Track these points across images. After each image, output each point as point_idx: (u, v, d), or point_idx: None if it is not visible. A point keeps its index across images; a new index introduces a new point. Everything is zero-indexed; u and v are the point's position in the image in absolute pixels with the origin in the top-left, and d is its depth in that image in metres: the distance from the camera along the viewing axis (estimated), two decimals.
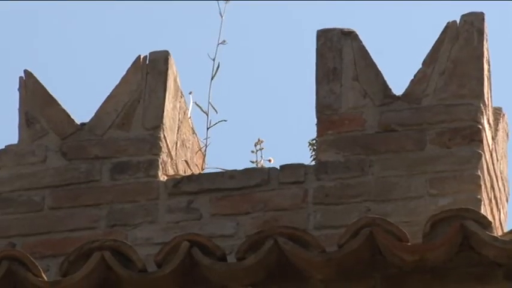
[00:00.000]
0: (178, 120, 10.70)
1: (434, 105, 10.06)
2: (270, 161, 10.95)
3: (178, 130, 10.62)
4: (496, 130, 10.40)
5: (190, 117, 11.13)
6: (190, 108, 11.17)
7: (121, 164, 10.32)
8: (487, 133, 10.05)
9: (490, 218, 9.42)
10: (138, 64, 10.46)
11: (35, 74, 10.35)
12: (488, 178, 10.00)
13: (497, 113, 10.56)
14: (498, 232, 9.57)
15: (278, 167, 10.22)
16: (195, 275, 9.39)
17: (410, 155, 10.00)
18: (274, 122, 18.03)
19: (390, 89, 10.10)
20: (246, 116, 18.86)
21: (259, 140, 10.40)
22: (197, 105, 11.12)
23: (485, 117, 10.05)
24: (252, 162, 10.99)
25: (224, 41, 11.26)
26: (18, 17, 24.89)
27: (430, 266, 9.15)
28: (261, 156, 10.60)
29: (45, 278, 9.29)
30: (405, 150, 10.02)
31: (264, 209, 9.94)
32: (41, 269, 9.33)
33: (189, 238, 9.25)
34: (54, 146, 10.33)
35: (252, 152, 10.72)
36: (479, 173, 9.78)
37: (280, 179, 10.07)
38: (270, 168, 10.31)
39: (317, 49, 10.29)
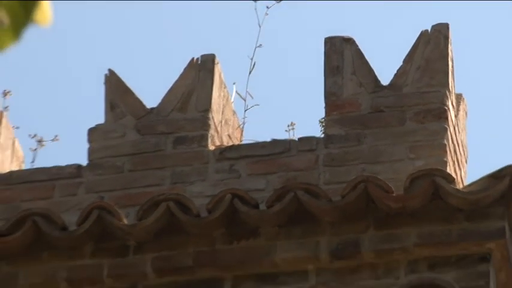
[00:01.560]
0: (222, 105, 10.68)
1: (412, 92, 10.18)
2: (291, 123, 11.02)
3: (222, 112, 10.60)
4: (458, 110, 10.46)
5: (232, 102, 11.10)
6: (233, 95, 11.12)
7: (180, 137, 10.34)
8: (451, 112, 10.15)
9: (453, 175, 9.65)
10: (192, 64, 10.49)
11: (116, 71, 10.40)
12: (452, 146, 10.11)
13: (459, 97, 10.66)
14: (460, 186, 9.65)
15: (297, 139, 10.30)
16: (235, 218, 9.47)
17: (394, 129, 10.10)
18: (293, 106, 18.26)
19: (379, 81, 10.20)
20: (273, 102, 19.20)
21: (291, 123, 10.44)
22: (238, 93, 11.03)
23: (449, 101, 10.17)
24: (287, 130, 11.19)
25: (260, 45, 11.37)
26: (102, 22, 25.34)
27: (409, 211, 9.34)
28: (293, 134, 10.68)
29: (126, 222, 9.49)
30: (390, 125, 10.11)
31: (286, 170, 10.04)
32: (122, 216, 9.53)
33: (231, 192, 9.41)
34: (131, 124, 10.37)
35: (286, 131, 10.42)
36: (445, 142, 9.94)
37: (298, 148, 10.17)
38: (290, 140, 10.34)
39: (324, 52, 10.36)
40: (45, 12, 2.90)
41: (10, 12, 2.84)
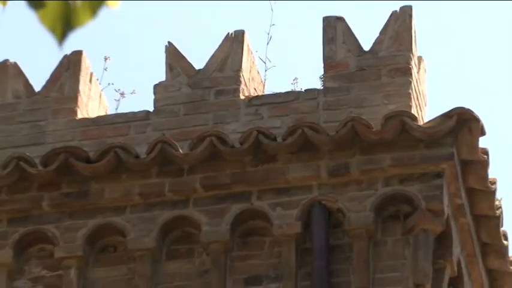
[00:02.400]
0: (249, 66, 10.75)
1: (385, 55, 10.36)
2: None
3: (250, 72, 10.70)
4: (419, 68, 10.63)
5: (256, 65, 11.07)
6: (256, 60, 11.04)
7: (219, 90, 10.46)
8: (414, 70, 10.35)
9: (416, 115, 9.90)
10: (228, 37, 10.60)
11: (173, 43, 10.67)
12: (415, 94, 10.32)
13: (420, 59, 10.78)
14: (421, 123, 9.90)
15: (304, 90, 10.49)
16: (260, 148, 9.73)
17: (373, 83, 10.33)
18: (300, 67, 18.27)
19: (362, 48, 10.39)
20: (285, 64, 19.44)
21: (295, 77, 10.62)
22: (260, 58, 11.16)
23: (413, 62, 10.36)
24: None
25: (274, 24, 11.33)
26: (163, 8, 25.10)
27: (385, 142, 9.64)
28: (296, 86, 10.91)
29: (181, 151, 9.75)
30: (371, 80, 10.31)
31: (296, 113, 10.20)
32: (178, 147, 9.80)
33: (257, 129, 9.74)
34: (184, 81, 10.47)
35: (292, 83, 10.62)
36: (410, 91, 10.18)
37: (304, 97, 10.36)
38: (299, 91, 10.52)
39: (323, 27, 10.53)
40: None
41: None
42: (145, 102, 10.58)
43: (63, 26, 2.84)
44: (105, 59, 11.14)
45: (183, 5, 25.41)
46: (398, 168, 9.60)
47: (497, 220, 9.91)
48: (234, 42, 10.68)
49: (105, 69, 11.07)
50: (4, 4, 2.96)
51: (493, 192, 9.83)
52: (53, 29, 2.84)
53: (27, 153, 10.13)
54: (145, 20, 25.35)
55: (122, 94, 11.09)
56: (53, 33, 2.83)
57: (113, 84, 11.34)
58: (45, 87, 10.68)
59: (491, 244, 10.06)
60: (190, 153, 9.72)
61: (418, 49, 10.66)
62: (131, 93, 11.38)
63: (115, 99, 11.15)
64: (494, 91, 28.34)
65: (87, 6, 2.84)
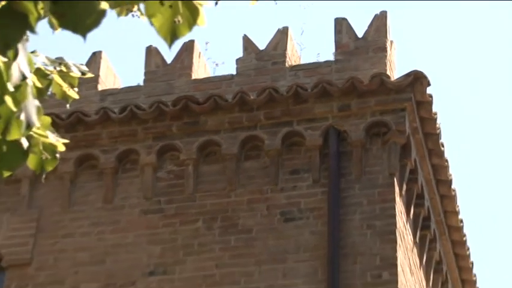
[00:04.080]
0: (291, 48, 10.27)
1: (372, 40, 9.97)
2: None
3: (291, 50, 10.25)
4: (391, 48, 10.10)
5: (295, 47, 10.50)
6: (294, 44, 10.52)
7: (274, 62, 10.15)
8: (388, 49, 9.88)
9: (389, 75, 9.53)
10: (279, 31, 10.18)
11: (248, 36, 10.24)
12: (389, 63, 9.84)
13: (392, 42, 10.21)
14: (392, 79, 9.54)
15: (323, 61, 10.02)
16: (298, 95, 9.38)
17: (364, 56, 9.89)
18: (321, 48, 18.03)
19: (357, 35, 9.94)
20: (311, 47, 19.35)
21: (318, 53, 10.43)
22: (297, 43, 10.68)
23: (388, 43, 9.92)
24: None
25: (304, 23, 11.66)
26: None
27: (371, 91, 9.38)
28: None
29: (252, 97, 9.45)
30: (364, 54, 9.88)
31: (318, 74, 9.85)
32: (251, 95, 9.39)
33: (296, 84, 9.42)
34: (253, 57, 10.12)
35: (316, 57, 10.21)
36: (386, 61, 9.73)
37: (323, 65, 10.05)
38: (320, 62, 10.01)
39: (334, 24, 10.11)
40: (203, 17, 2.67)
41: (184, 17, 2.63)
42: (231, 69, 10.41)
43: (172, 36, 2.65)
44: (206, 43, 10.93)
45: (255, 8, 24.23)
46: (379, 106, 9.37)
47: (437, 136, 9.83)
48: (282, 33, 10.30)
49: (206, 49, 10.88)
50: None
51: (435, 120, 9.70)
52: (165, 37, 2.64)
53: (163, 99, 9.77)
54: (226, 20, 24.93)
55: (217, 64, 10.82)
56: (165, 39, 2.63)
57: (210, 58, 11.11)
58: (173, 61, 10.35)
59: (434, 150, 9.93)
60: (257, 98, 9.51)
61: (391, 36, 10.19)
62: (222, 63, 11.09)
63: (214, 67, 10.84)
64: (441, 60, 28.01)
65: (186, 23, 2.64)
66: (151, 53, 10.41)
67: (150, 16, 2.60)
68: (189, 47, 10.42)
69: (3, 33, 2.41)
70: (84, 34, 2.46)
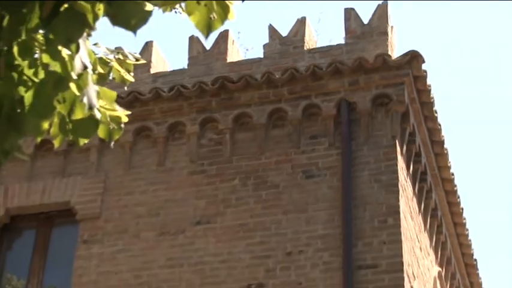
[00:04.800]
0: (309, 34, 10.12)
1: (375, 26, 9.85)
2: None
3: (309, 36, 10.14)
4: (392, 32, 9.92)
5: (312, 34, 10.32)
6: (312, 31, 10.32)
7: (295, 46, 10.04)
8: (389, 33, 9.72)
9: (390, 54, 9.33)
10: (297, 21, 10.09)
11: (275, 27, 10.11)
12: (390, 44, 9.66)
13: (392, 27, 9.95)
14: (392, 58, 9.29)
15: (335, 44, 9.86)
16: (315, 74, 9.24)
17: (369, 39, 9.75)
18: (335, 33, 17.88)
19: (363, 22, 9.82)
20: (326, 33, 18.82)
21: (330, 39, 10.42)
22: (314, 30, 10.45)
23: (389, 28, 9.76)
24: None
25: (321, 12, 11.06)
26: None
27: (376, 68, 9.17)
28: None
29: (277, 76, 9.33)
30: (369, 37, 9.76)
31: (332, 56, 9.72)
32: (275, 74, 9.30)
33: (313, 64, 9.31)
34: (277, 42, 9.96)
35: (329, 41, 10.17)
36: (387, 43, 9.59)
37: (336, 48, 9.90)
38: (333, 45, 9.88)
39: (344, 14, 10.00)
40: (232, 12, 2.65)
41: (217, 13, 2.61)
42: (259, 53, 10.27)
43: (207, 29, 2.65)
44: (238, 33, 10.87)
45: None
46: (382, 81, 9.17)
47: (432, 104, 9.63)
48: (301, 22, 10.17)
49: (238, 37, 10.99)
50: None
51: (430, 91, 9.51)
52: (202, 29, 2.64)
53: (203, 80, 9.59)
54: (254, 12, 24.72)
55: (247, 49, 10.89)
56: (202, 31, 2.63)
57: (242, 45, 11.36)
58: (211, 48, 10.26)
59: (429, 116, 9.74)
60: (281, 77, 9.37)
61: (391, 22, 10.01)
62: (252, 49, 11.22)
63: (245, 52, 10.84)
64: (434, 41, 28.19)
65: (219, 18, 2.63)
66: (194, 41, 10.35)
67: (189, 13, 2.60)
68: (224, 35, 10.34)
69: (66, 31, 2.41)
70: (134, 31, 2.45)
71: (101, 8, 2.46)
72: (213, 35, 10.33)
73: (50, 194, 9.33)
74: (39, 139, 2.85)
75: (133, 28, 2.44)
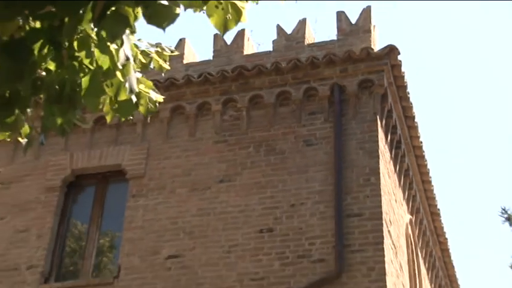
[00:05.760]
0: (308, 33, 9.81)
1: (361, 25, 9.62)
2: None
3: (309, 34, 9.81)
4: (374, 30, 9.63)
5: (312, 33, 9.95)
6: (311, 30, 9.93)
7: (297, 42, 9.72)
8: (372, 31, 9.48)
9: (373, 48, 9.05)
10: (299, 22, 9.80)
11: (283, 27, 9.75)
12: (372, 40, 9.41)
13: (374, 26, 9.64)
14: (374, 51, 8.96)
15: (329, 40, 9.55)
16: (314, 63, 8.96)
17: (356, 36, 9.49)
18: (329, 32, 17.64)
19: (352, 22, 9.60)
20: (322, 30, 18.61)
21: (328, 37, 10.05)
22: (312, 29, 9.99)
23: (371, 27, 9.50)
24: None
25: (316, 21, 10.76)
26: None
27: (361, 58, 8.90)
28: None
29: (283, 65, 9.08)
30: (355, 35, 9.49)
31: (327, 49, 9.42)
32: (282, 64, 9.09)
33: (312, 56, 9.03)
34: (283, 39, 9.71)
35: (327, 38, 10.13)
36: (370, 39, 9.34)
37: (330, 43, 9.61)
38: (327, 40, 9.58)
39: (336, 16, 9.75)
40: (244, 15, 2.62)
41: (232, 15, 2.58)
42: (268, 47, 10.02)
43: (224, 28, 2.62)
44: (251, 31, 10.40)
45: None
46: (366, 69, 8.92)
47: (405, 87, 9.32)
48: (302, 23, 9.94)
49: (251, 35, 10.32)
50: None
51: (404, 77, 9.19)
52: (219, 28, 2.61)
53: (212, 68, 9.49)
54: (265, 14, 24.35)
55: (259, 44, 10.50)
56: (219, 30, 2.62)
57: (255, 40, 10.52)
58: (231, 43, 9.92)
59: (403, 96, 9.42)
60: (287, 66, 9.13)
61: (374, 22, 9.73)
62: (263, 44, 11.13)
63: (257, 46, 10.46)
64: (410, 36, 27.94)
65: (233, 19, 2.60)
66: (217, 38, 10.15)
67: (209, 15, 2.58)
68: (241, 33, 10.20)
69: (112, 29, 2.42)
70: (163, 28, 2.45)
71: (139, 11, 2.47)
72: (232, 33, 10.38)
73: (106, 158, 9.28)
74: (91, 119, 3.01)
75: (163, 26, 2.43)
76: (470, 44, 28.36)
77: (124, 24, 2.45)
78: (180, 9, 2.47)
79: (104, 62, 2.63)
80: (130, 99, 2.84)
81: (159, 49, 3.11)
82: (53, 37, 2.43)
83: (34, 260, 8.53)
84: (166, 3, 2.41)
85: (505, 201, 28.23)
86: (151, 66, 3.09)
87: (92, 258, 8.69)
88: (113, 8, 2.38)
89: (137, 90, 2.85)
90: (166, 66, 3.13)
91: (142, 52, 3.04)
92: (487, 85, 28.93)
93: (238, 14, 2.59)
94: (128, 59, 2.68)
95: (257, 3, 2.67)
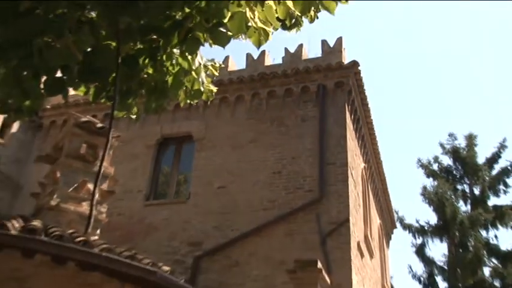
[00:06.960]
0: (305, 50, 9.73)
1: (335, 45, 9.48)
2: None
3: (306, 49, 9.66)
4: (344, 49, 9.32)
5: (306, 48, 9.74)
6: (307, 47, 9.78)
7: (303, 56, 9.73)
8: (343, 51, 9.24)
9: (343, 62, 9.03)
10: (299, 45, 9.70)
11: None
12: (343, 57, 9.32)
13: (344, 49, 9.45)
14: (345, 63, 9.06)
15: (318, 56, 9.42)
16: (305, 68, 9.02)
17: (332, 54, 9.36)
18: (317, 49, 15.16)
19: (329, 44, 9.32)
20: (313, 46, 16.24)
21: (319, 53, 9.48)
22: (306, 44, 9.87)
23: (342, 47, 9.19)
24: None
25: (310, 40, 11.29)
26: None
27: (334, 68, 8.95)
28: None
29: (294, 68, 9.40)
30: (332, 54, 9.45)
31: (319, 61, 9.38)
32: (298, 67, 9.08)
33: (304, 60, 9.20)
34: (288, 58, 9.53)
35: (319, 53, 9.33)
36: (342, 57, 9.15)
37: (315, 58, 9.53)
38: (316, 57, 9.45)
39: (321, 41, 9.56)
40: (270, 37, 2.45)
41: (263, 36, 2.36)
42: (279, 61, 9.77)
43: (259, 43, 2.46)
44: (268, 51, 9.77)
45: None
46: (340, 75, 9.01)
47: (363, 87, 9.07)
48: (299, 46, 9.80)
49: (269, 53, 9.82)
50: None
51: (362, 79, 8.92)
52: (256, 44, 2.43)
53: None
54: (280, 38, 23.29)
55: (274, 59, 9.92)
56: (256, 46, 2.42)
57: (271, 56, 10.16)
58: (256, 59, 9.83)
59: (361, 92, 9.38)
60: (290, 72, 9.15)
61: (345, 45, 9.75)
62: (275, 59, 10.23)
63: (273, 60, 10.04)
64: (370, 54, 27.49)
65: (264, 39, 2.45)
66: (248, 56, 10.27)
67: (249, 37, 2.51)
68: (263, 52, 10.21)
69: (190, 47, 2.47)
70: (223, 46, 2.41)
71: (206, 36, 2.43)
72: (258, 52, 10.25)
73: (181, 128, 9.64)
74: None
75: (223, 45, 2.40)
76: (412, 55, 29.42)
77: (197, 44, 2.43)
78: (230, 33, 2.39)
79: (184, 65, 2.66)
80: (200, 89, 2.83)
81: (212, 62, 3.05)
82: (152, 53, 2.46)
83: (141, 187, 9.05)
84: (224, 30, 2.34)
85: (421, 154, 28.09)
86: (207, 72, 3.03)
87: (174, 187, 9.11)
88: (190, 34, 2.37)
89: (206, 83, 2.87)
90: (216, 73, 3.08)
91: (205, 64, 2.98)
92: (417, 80, 28.39)
93: (266, 35, 2.50)
94: (199, 64, 2.74)
95: (277, 29, 2.55)
